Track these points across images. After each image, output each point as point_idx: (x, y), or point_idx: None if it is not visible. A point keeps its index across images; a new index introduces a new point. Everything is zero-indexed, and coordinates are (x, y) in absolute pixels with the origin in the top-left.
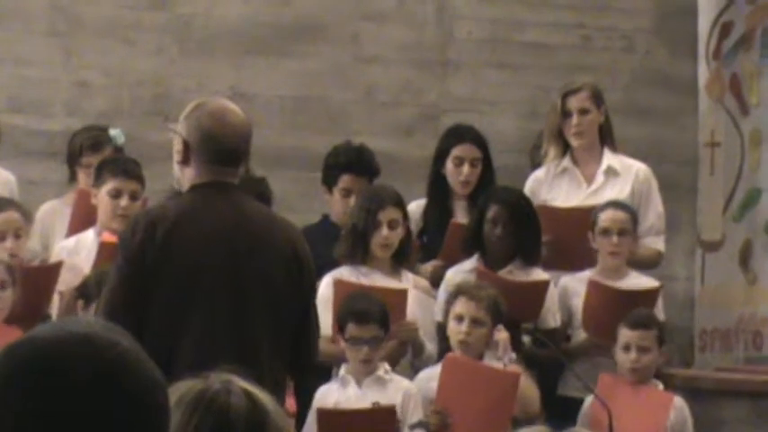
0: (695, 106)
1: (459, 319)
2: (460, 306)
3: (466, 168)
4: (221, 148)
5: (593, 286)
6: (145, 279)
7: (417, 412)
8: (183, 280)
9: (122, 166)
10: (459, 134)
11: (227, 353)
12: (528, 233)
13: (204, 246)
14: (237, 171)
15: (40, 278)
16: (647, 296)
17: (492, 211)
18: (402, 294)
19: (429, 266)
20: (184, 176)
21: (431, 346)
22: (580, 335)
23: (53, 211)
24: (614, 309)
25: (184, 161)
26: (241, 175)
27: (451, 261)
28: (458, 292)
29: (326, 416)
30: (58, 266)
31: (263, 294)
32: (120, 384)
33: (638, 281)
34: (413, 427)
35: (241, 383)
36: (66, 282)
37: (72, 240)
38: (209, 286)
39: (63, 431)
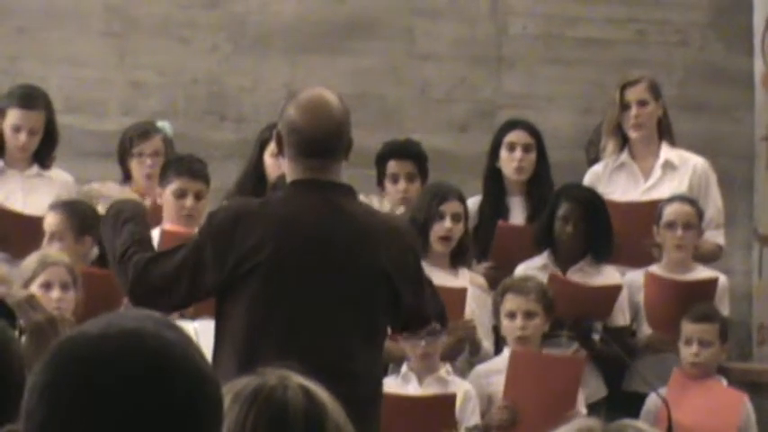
0: (751, 101)
1: (512, 315)
2: (510, 302)
3: (518, 152)
4: (305, 140)
5: (651, 279)
6: (225, 270)
7: (475, 415)
8: (274, 279)
9: (187, 166)
10: (511, 123)
11: (311, 354)
12: (599, 230)
13: (299, 247)
14: (332, 165)
15: (106, 285)
16: (705, 286)
17: (563, 209)
18: (461, 293)
19: (481, 268)
20: (285, 169)
21: (487, 344)
22: (645, 330)
23: None
24: (673, 301)
25: (279, 153)
26: None
27: (502, 262)
28: (504, 289)
29: (386, 400)
30: None
31: (356, 295)
32: (168, 379)
33: (703, 274)
34: (470, 429)
35: (298, 379)
36: None
37: None
38: (300, 288)
39: (111, 426)
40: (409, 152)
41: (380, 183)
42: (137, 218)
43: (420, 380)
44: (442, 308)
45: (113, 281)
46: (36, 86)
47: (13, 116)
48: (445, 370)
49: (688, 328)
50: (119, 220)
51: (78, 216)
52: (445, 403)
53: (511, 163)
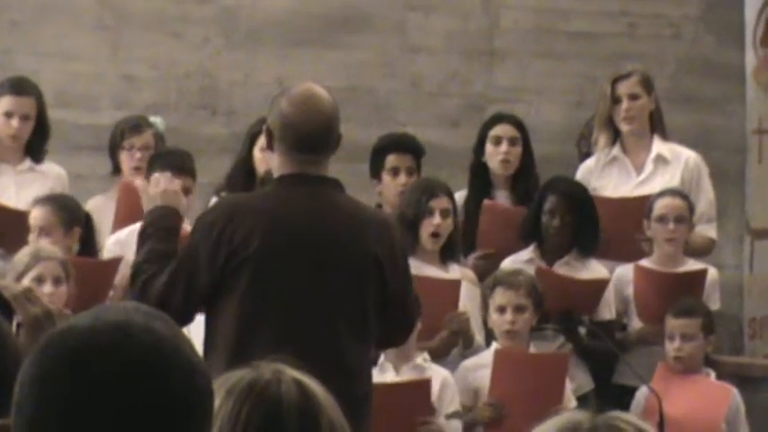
0: (742, 94)
1: (502, 309)
2: (500, 296)
3: (504, 146)
4: (298, 135)
5: (639, 271)
6: (217, 267)
7: (454, 402)
8: (264, 274)
9: (175, 160)
10: (497, 117)
11: (304, 349)
12: (586, 224)
13: (288, 240)
14: (322, 160)
15: (96, 274)
16: (693, 278)
17: (550, 202)
18: (454, 285)
19: (470, 259)
20: (273, 163)
21: (480, 338)
22: (636, 324)
23: (99, 206)
24: (662, 293)
25: (269, 147)
26: None
27: (489, 244)
28: (495, 282)
29: None
30: (116, 262)
31: (349, 290)
32: (159, 371)
33: (693, 268)
34: (449, 416)
35: (292, 373)
36: (120, 274)
37: (124, 232)
38: (291, 282)
39: (101, 419)
40: (409, 146)
41: (376, 176)
42: (162, 231)
43: (397, 369)
44: (419, 307)
45: (100, 270)
46: (27, 77)
47: (5, 103)
48: (422, 358)
49: (670, 322)
50: (145, 232)
51: (66, 209)
52: (419, 388)
53: (496, 156)
